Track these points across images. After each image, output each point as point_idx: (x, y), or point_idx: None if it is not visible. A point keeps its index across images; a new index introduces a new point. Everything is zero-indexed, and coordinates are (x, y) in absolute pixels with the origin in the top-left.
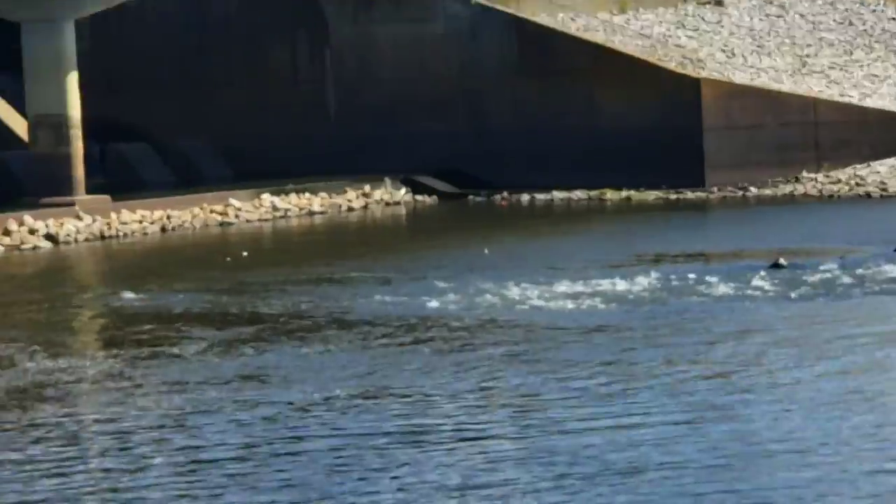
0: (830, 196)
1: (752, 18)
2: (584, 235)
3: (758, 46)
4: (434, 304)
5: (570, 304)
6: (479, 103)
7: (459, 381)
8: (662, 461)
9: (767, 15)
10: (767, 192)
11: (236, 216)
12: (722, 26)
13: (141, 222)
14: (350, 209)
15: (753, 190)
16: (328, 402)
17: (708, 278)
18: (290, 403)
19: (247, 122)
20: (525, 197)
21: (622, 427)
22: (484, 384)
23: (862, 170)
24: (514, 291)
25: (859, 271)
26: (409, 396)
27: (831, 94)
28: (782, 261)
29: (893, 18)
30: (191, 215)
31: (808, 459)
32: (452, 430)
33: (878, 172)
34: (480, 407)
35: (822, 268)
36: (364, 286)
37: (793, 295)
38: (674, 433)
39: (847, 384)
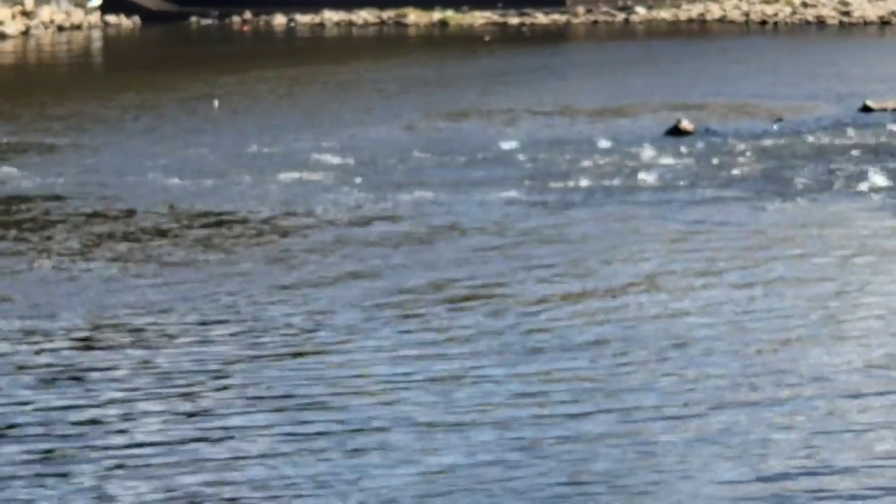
0: (763, 23)
1: None
2: (373, 79)
3: None
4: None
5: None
6: None
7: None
8: None
9: None
10: (664, 14)
11: None
12: None
13: None
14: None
15: (640, 11)
16: None
17: (573, 146)
18: None
19: None
20: (279, 19)
21: None
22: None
23: None
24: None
25: (807, 141)
26: None
27: None
28: (685, 123)
29: None
30: None
31: None
32: None
33: None
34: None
35: (746, 134)
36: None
37: (702, 180)
38: None
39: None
